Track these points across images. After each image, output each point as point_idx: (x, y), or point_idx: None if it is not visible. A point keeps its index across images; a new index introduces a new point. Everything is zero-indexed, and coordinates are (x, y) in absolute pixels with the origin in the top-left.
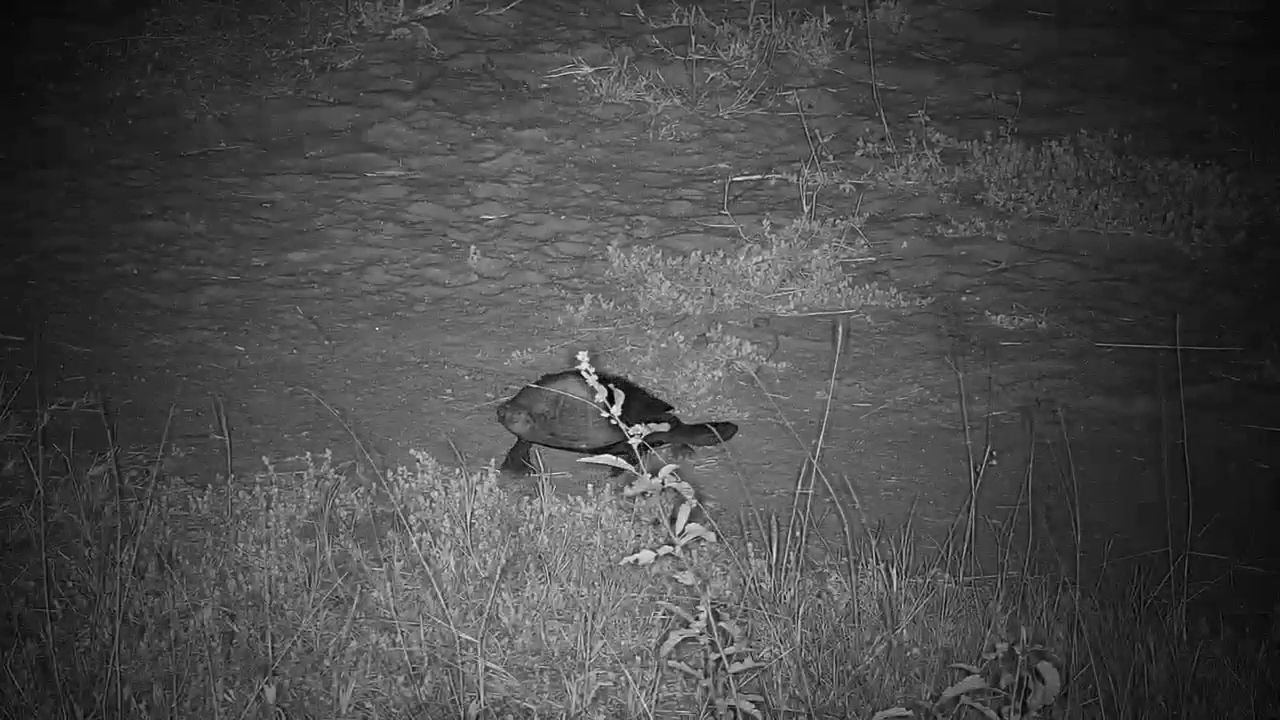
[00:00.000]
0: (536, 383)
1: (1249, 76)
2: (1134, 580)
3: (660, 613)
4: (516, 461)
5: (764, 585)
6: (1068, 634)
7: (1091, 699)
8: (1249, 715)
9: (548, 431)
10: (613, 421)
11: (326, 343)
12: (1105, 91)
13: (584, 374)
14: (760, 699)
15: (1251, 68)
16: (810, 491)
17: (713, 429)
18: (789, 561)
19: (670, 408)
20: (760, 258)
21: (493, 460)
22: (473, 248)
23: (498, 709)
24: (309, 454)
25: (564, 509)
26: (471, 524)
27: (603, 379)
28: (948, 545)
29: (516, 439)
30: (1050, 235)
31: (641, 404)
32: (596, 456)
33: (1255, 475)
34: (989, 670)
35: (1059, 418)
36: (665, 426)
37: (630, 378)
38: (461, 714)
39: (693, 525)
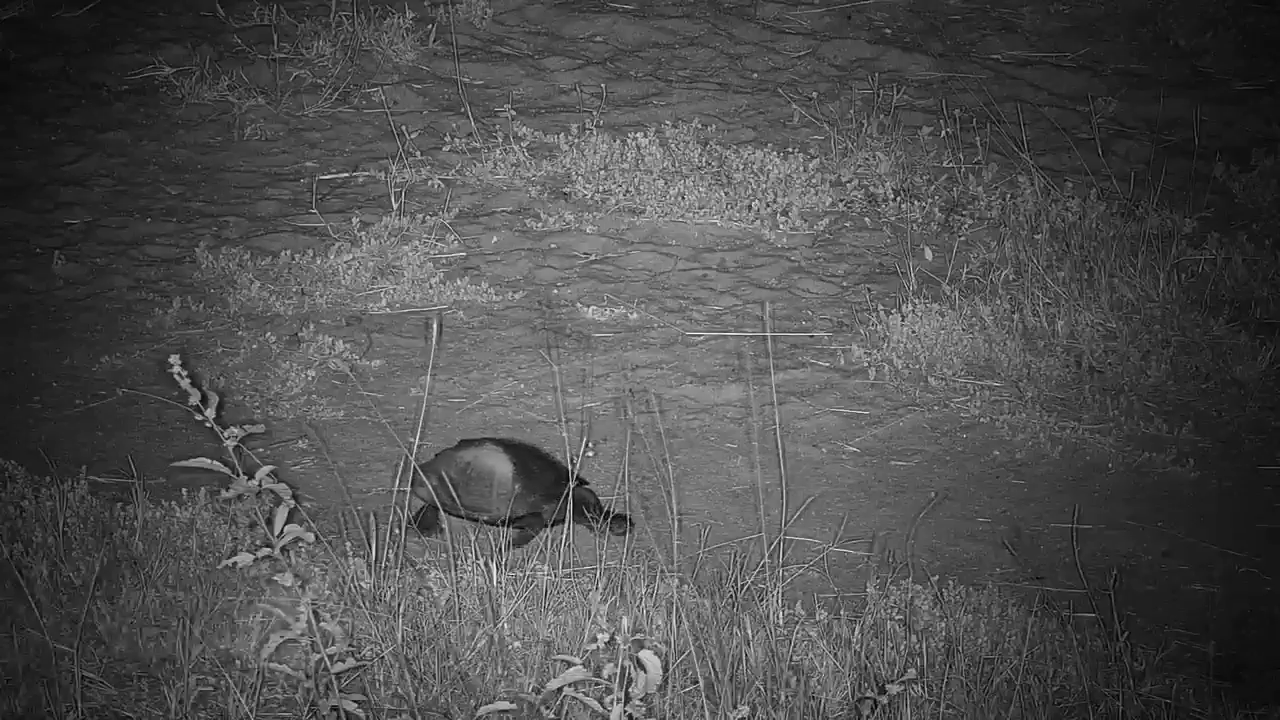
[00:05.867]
0: (453, 448)
1: (828, 64)
2: (730, 566)
3: (260, 615)
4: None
5: (364, 584)
6: (667, 621)
7: (692, 685)
8: (846, 695)
9: (450, 499)
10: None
11: None
12: (688, 82)
13: (176, 375)
14: (363, 698)
15: (831, 55)
16: (408, 489)
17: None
18: (388, 559)
19: (585, 482)
20: (350, 256)
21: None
22: (57, 253)
23: (96, 719)
24: None
25: (159, 514)
26: (64, 532)
27: (512, 445)
28: (546, 537)
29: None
30: (638, 226)
31: (554, 476)
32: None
33: (845, 457)
34: (591, 661)
35: (652, 407)
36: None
37: (542, 448)
38: None
39: (291, 526)
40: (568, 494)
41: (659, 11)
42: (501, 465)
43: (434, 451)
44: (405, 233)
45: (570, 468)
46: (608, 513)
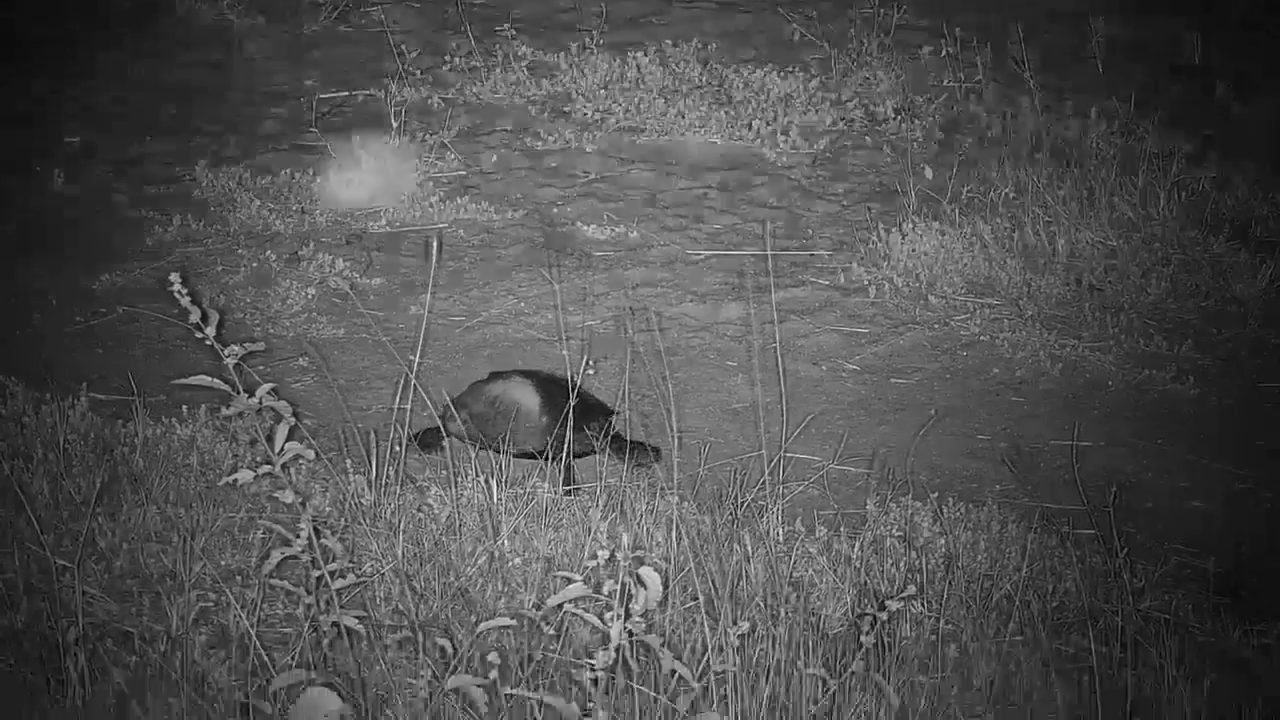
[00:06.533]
0: (483, 381)
1: None
2: (730, 483)
3: (260, 531)
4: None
5: (364, 501)
6: (667, 538)
7: (692, 601)
8: (845, 611)
9: (480, 431)
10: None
11: None
12: (688, 1)
13: (176, 293)
14: (364, 614)
15: None
16: (409, 406)
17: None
18: (389, 476)
19: (613, 412)
20: (350, 174)
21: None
22: (57, 171)
23: (97, 633)
24: None
25: (159, 430)
26: (65, 448)
27: (542, 378)
28: (549, 454)
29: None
30: (638, 145)
31: (583, 406)
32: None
33: (845, 375)
34: (591, 577)
35: (652, 325)
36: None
37: (568, 377)
38: (60, 640)
39: (291, 443)
40: (608, 428)
41: None
42: (528, 398)
43: (436, 370)
44: (405, 151)
45: (571, 385)
46: (633, 442)
